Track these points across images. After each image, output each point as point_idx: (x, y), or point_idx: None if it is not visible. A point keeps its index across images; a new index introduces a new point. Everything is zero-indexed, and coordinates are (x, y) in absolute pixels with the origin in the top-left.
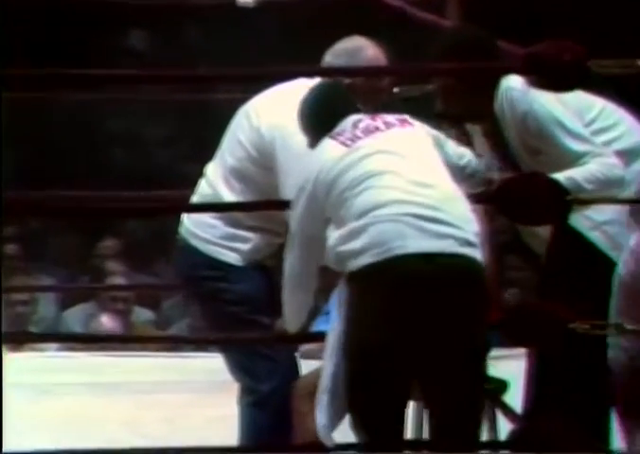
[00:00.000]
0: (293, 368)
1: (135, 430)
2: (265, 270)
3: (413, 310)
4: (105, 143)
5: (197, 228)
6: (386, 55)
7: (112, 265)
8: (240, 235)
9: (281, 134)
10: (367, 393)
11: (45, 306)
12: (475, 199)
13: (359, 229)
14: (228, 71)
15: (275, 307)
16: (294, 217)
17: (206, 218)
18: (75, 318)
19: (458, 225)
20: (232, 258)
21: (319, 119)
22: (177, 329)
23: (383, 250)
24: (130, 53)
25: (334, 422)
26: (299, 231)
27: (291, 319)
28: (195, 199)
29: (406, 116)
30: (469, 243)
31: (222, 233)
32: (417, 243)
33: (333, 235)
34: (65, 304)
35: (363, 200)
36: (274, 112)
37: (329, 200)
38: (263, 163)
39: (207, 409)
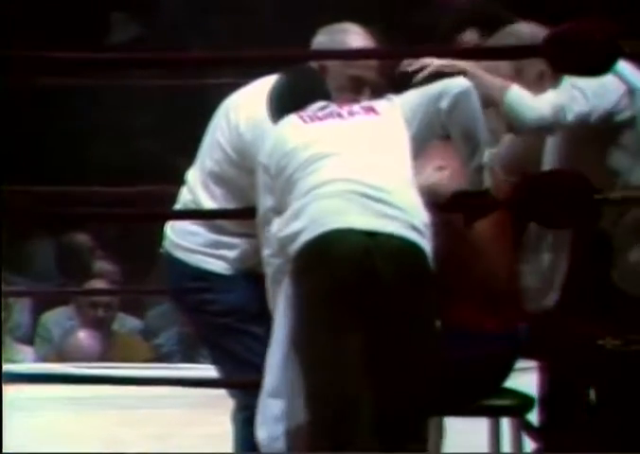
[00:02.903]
0: None
1: (120, 449)
2: (256, 278)
3: (354, 288)
4: (85, 133)
5: (178, 237)
6: (376, 41)
7: (97, 265)
8: (225, 242)
9: (263, 132)
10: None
11: (20, 312)
12: (494, 202)
13: (299, 209)
14: (221, 54)
15: (268, 317)
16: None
17: (188, 225)
18: (54, 323)
19: (405, 209)
20: (218, 267)
21: (284, 106)
22: (165, 338)
23: (321, 224)
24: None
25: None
26: (261, 207)
27: None
28: (177, 207)
29: (374, 104)
30: (415, 228)
31: (206, 240)
32: (359, 219)
33: (276, 221)
34: (41, 307)
35: (308, 181)
36: (253, 107)
37: (280, 182)
38: (243, 164)
39: (200, 426)
